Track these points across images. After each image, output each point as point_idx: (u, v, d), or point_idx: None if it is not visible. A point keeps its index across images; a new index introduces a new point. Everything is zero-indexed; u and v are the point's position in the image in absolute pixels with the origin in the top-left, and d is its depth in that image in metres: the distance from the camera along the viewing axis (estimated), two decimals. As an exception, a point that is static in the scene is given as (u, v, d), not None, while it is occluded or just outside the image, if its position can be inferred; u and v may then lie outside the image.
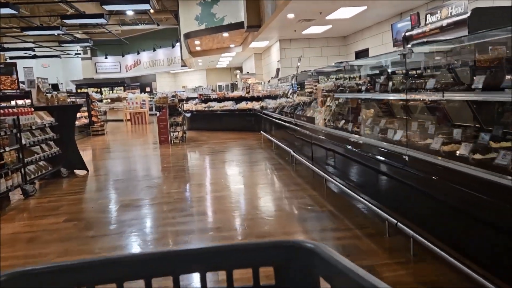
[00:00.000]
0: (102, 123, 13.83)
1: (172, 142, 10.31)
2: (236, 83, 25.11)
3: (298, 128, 6.34)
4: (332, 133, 4.72)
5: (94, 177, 6.63)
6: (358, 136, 4.04)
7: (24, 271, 0.64)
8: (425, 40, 6.78)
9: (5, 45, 19.28)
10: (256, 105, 12.12)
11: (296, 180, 5.62)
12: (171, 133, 10.36)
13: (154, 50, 24.81)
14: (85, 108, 13.67)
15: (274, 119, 8.45)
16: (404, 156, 3.00)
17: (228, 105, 12.79)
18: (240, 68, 26.25)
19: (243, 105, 12.37)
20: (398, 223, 3.03)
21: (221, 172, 6.57)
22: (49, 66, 26.57)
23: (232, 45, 14.84)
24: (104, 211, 4.52)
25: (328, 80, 6.89)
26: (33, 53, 20.38)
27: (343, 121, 4.59)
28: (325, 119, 5.38)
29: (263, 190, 5.32)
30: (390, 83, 3.78)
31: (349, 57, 13.43)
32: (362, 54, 12.69)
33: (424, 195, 2.88)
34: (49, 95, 7.35)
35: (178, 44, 20.90)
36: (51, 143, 6.44)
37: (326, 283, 0.63)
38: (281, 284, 0.70)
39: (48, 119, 6.36)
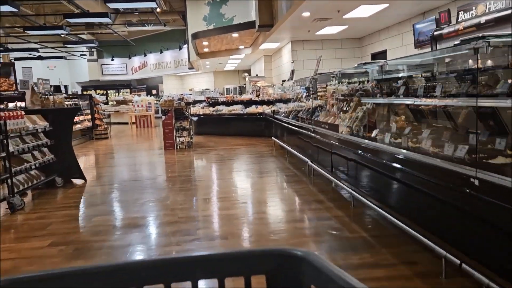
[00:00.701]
0: (105, 126, 13.27)
1: (178, 147, 9.70)
2: (245, 86, 24.54)
3: (317, 136, 5.69)
4: (361, 144, 4.06)
5: (92, 188, 6.02)
6: (397, 149, 3.37)
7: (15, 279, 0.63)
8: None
9: (10, 46, 18.88)
10: (266, 109, 11.49)
11: (316, 196, 4.96)
12: (177, 138, 9.76)
13: (161, 52, 24.31)
14: (88, 111, 13.14)
15: (287, 125, 7.82)
16: (472, 180, 2.34)
17: (237, 108, 12.17)
18: (249, 71, 25.66)
19: (252, 109, 11.75)
20: (464, 264, 2.37)
21: (230, 184, 5.93)
22: (55, 68, 26.22)
23: (241, 47, 14.25)
24: (98, 232, 3.89)
25: (347, 83, 6.25)
26: (37, 54, 19.96)
27: (377, 130, 3.93)
28: (350, 127, 4.73)
29: (280, 208, 4.68)
30: (439, 86, 3.12)
31: (364, 59, 12.77)
32: (379, 56, 12.03)
33: (501, 231, 2.21)
34: (45, 97, 6.77)
35: (185, 46, 20.37)
36: (45, 149, 5.85)
37: None
38: None
39: (42, 123, 5.77)
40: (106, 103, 24.34)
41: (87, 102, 13.12)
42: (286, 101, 10.10)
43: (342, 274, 0.58)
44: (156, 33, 24.30)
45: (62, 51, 20.76)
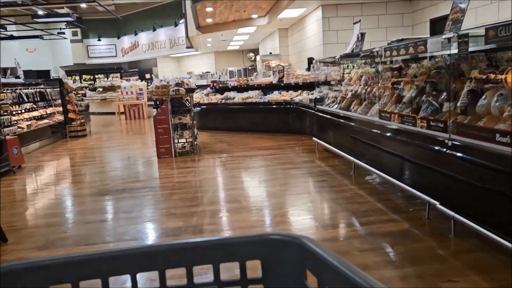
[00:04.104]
0: (82, 121, 10.30)
1: (177, 153, 6.80)
2: (250, 67, 21.49)
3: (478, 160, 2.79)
4: None
5: (13, 258, 3.13)
6: None
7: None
8: None
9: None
10: (294, 95, 8.55)
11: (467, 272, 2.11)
12: (176, 140, 6.85)
13: (154, 30, 21.08)
14: (60, 101, 10.17)
15: (348, 122, 4.93)
16: None
17: (253, 95, 9.22)
18: (255, 51, 22.56)
19: (276, 96, 8.78)
20: None
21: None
22: (35, 51, 23.05)
23: (254, 15, 11.19)
24: None
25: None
26: (7, 33, 16.81)
27: None
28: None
29: None
30: None
31: (418, 28, 9.77)
32: (440, 23, 9.03)
33: None
34: None
35: (182, 21, 17.22)
36: None
37: (313, 276, 0.61)
38: (268, 277, 0.70)
39: None
40: (93, 89, 21.31)
41: (58, 89, 10.12)
42: (334, 84, 7.12)
43: (337, 258, 0.58)
44: (147, 8, 21.09)
45: (35, 29, 17.51)
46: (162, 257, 0.67)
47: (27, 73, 17.54)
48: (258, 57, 15.71)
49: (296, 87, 8.94)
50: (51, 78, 12.12)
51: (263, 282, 0.70)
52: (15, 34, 18.40)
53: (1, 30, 15.12)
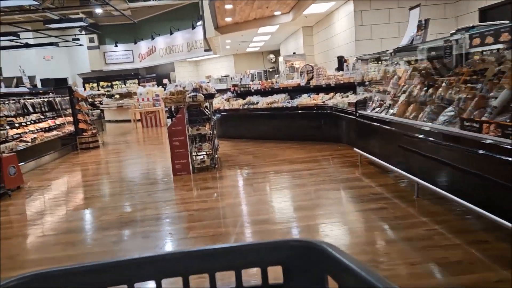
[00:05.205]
0: (94, 131, 9.54)
1: (195, 169, 5.88)
2: (271, 70, 20.52)
3: None
4: None
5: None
6: None
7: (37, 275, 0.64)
8: None
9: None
10: (326, 98, 7.54)
11: None
12: (194, 154, 5.94)
13: (171, 33, 20.42)
14: (70, 111, 9.44)
15: (406, 132, 3.90)
16: None
17: (279, 99, 8.24)
18: (275, 52, 21.60)
19: (305, 99, 7.78)
20: None
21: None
22: (52, 59, 22.77)
23: (277, 13, 10.23)
24: None
25: None
26: (22, 40, 16.35)
27: None
28: None
29: None
30: None
31: (463, 20, 8.62)
32: (492, 12, 7.87)
33: None
34: None
35: (199, 23, 16.44)
36: None
37: (334, 281, 0.61)
38: (289, 283, 0.69)
39: None
40: (110, 96, 20.78)
41: (67, 98, 9.39)
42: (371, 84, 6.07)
43: (359, 264, 0.57)
44: (164, 11, 20.46)
45: (50, 36, 17.02)
46: (186, 263, 0.69)
47: (45, 82, 17.06)
48: (280, 58, 14.73)
49: (327, 89, 7.93)
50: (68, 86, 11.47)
51: (284, 287, 0.70)
52: (31, 42, 17.99)
53: (15, 38, 14.60)
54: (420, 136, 3.70)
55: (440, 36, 4.33)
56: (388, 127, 4.42)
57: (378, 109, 5.04)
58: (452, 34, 3.86)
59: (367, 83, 5.93)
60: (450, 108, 3.51)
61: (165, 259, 0.68)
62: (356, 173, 5.05)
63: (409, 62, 5.09)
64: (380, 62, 5.58)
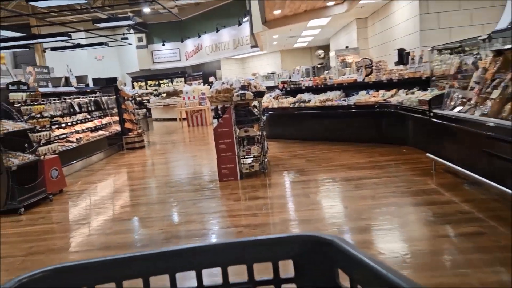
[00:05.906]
0: (140, 131, 9.33)
1: (243, 175, 5.35)
2: (319, 66, 19.64)
3: None
4: None
5: None
6: None
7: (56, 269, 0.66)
8: None
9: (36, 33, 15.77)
10: (388, 95, 6.73)
11: None
12: (242, 157, 5.42)
13: (217, 31, 20.13)
14: (116, 111, 9.29)
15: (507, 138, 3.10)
16: None
17: (333, 97, 7.53)
18: (324, 47, 20.70)
19: (364, 97, 7.01)
20: None
21: None
22: (103, 59, 23.34)
23: (330, 3, 9.47)
24: None
25: None
26: (74, 41, 16.72)
27: None
28: None
29: None
30: None
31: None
32: None
33: None
34: None
35: (246, 19, 15.98)
36: None
37: (345, 274, 0.60)
38: (300, 277, 0.69)
39: None
40: (157, 95, 20.91)
41: (113, 97, 9.24)
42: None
43: (370, 257, 0.56)
44: (210, 8, 20.22)
45: (100, 35, 17.29)
46: (199, 258, 0.69)
47: (96, 81, 17.42)
48: (331, 53, 13.93)
49: (387, 85, 7.11)
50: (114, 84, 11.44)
51: (295, 281, 0.70)
52: (82, 42, 18.42)
53: (67, 38, 14.91)
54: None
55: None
56: (478, 131, 3.62)
57: (460, 107, 4.23)
58: None
59: (435, 78, 5.09)
60: None
61: (179, 253, 0.68)
62: (432, 184, 4.28)
63: (499, 52, 4.22)
64: (461, 54, 4.72)
